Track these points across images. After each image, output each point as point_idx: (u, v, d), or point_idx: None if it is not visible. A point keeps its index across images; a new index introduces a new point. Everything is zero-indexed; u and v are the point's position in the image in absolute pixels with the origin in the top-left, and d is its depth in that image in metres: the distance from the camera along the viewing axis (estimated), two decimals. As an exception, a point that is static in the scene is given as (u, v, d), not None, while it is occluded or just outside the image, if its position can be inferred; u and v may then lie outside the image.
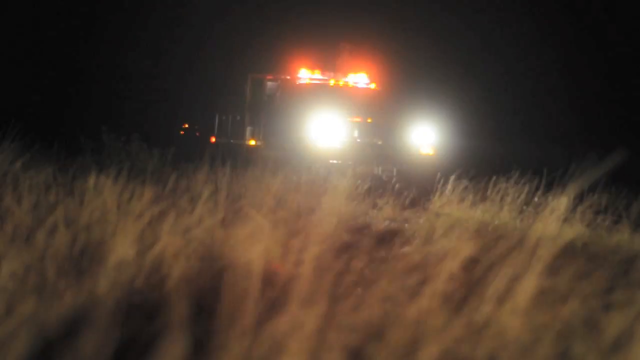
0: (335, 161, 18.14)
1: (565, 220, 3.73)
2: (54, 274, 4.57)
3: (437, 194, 11.58)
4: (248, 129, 20.89)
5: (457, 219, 3.48)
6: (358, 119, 19.07)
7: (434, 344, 3.39)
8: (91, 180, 5.22)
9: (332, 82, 20.54)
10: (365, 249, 3.83)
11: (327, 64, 20.98)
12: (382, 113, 19.61)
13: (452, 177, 12.27)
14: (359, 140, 18.69)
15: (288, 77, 20.44)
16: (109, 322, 4.14)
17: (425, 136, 18.84)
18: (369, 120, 19.10)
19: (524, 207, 9.63)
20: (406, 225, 3.29)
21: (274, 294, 3.73)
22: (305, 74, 20.51)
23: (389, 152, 18.50)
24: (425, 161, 18.47)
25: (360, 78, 20.78)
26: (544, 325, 3.82)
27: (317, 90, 20.25)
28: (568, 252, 4.16)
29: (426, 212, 9.42)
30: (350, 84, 20.57)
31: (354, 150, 18.34)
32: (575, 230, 3.69)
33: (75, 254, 4.99)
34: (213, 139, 22.74)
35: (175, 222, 6.00)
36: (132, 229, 5.35)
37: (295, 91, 20.22)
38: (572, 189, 3.66)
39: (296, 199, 8.08)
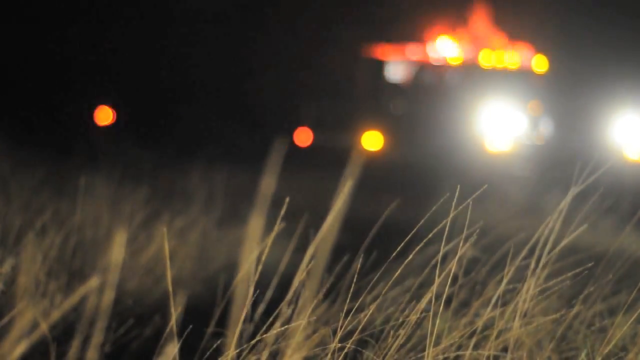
0: (511, 169, 12.79)
1: (569, 221, 3.66)
2: (44, 276, 4.50)
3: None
4: (361, 127, 14.75)
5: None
6: (532, 113, 13.78)
7: (434, 348, 3.33)
8: (83, 180, 5.14)
9: (485, 61, 14.50)
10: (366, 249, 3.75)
11: (468, 33, 14.87)
12: (560, 103, 13.96)
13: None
14: (538, 141, 13.47)
15: (422, 58, 14.61)
16: (101, 326, 4.05)
17: (632, 133, 13.28)
18: (542, 113, 13.71)
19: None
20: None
21: (271, 296, 3.66)
22: (441, 49, 14.60)
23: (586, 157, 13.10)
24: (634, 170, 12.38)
25: (516, 53, 14.72)
26: (547, 328, 3.77)
27: (469, 75, 14.28)
28: (571, 254, 4.10)
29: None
30: (510, 63, 14.51)
31: (535, 155, 13.17)
32: (579, 231, 3.62)
33: (66, 255, 4.92)
34: (307, 140, 15.38)
35: (170, 223, 5.94)
36: (125, 229, 5.27)
37: (436, 76, 14.43)
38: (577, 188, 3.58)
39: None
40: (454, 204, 3.28)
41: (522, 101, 13.87)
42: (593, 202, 4.11)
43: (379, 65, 14.88)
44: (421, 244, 3.29)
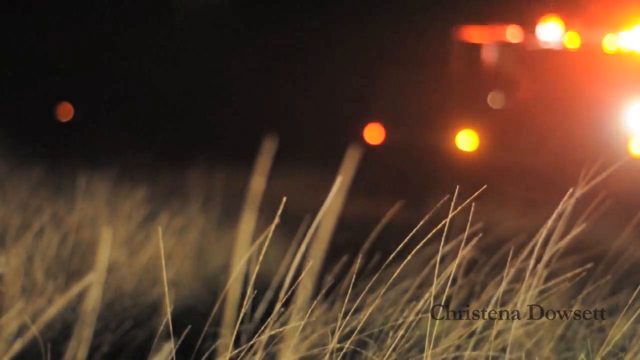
0: None
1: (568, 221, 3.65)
2: (42, 276, 4.49)
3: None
4: (449, 123, 12.04)
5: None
6: None
7: (433, 350, 3.33)
8: (81, 179, 5.14)
9: (608, 45, 11.44)
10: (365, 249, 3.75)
11: (585, 12, 11.78)
12: None
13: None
14: None
15: (530, 41, 11.76)
16: (99, 327, 4.04)
17: None
18: None
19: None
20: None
21: (269, 297, 3.65)
22: (552, 30, 11.67)
23: None
24: None
25: None
26: (546, 329, 3.76)
27: (590, 62, 11.35)
28: (571, 254, 4.10)
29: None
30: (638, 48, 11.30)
31: None
32: (578, 231, 3.61)
33: (64, 255, 4.91)
34: (378, 137, 12.52)
35: (169, 222, 5.94)
36: (123, 230, 5.27)
37: (547, 63, 11.53)
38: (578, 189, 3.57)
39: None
40: (452, 204, 3.27)
41: None
42: (596, 203, 4.11)
43: (475, 49, 12.24)
44: (419, 245, 3.28)
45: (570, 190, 3.51)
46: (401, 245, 3.30)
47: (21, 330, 2.45)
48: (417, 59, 13.42)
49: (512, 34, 12.22)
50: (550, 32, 11.96)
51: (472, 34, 12.42)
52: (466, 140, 12.08)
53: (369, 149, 12.35)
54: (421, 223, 3.30)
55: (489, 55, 12.23)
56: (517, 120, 11.92)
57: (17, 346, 2.18)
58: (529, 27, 12.12)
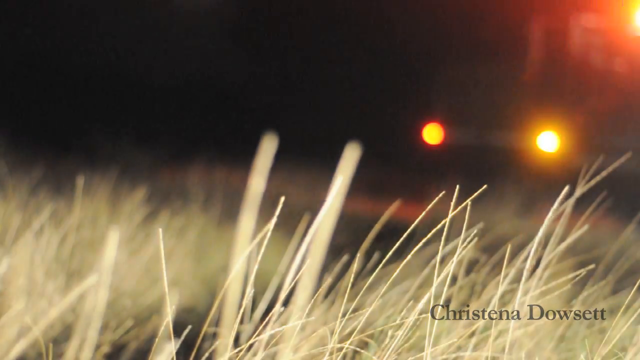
0: None
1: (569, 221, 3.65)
2: (42, 276, 4.49)
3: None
4: (531, 119, 10.25)
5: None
6: None
7: (432, 349, 3.32)
8: (81, 179, 5.13)
9: None
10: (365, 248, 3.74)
11: None
12: None
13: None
14: None
15: (629, 28, 9.87)
16: (99, 327, 4.03)
17: None
18: None
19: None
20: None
21: (269, 297, 3.65)
22: None
23: None
24: None
25: None
26: (546, 329, 3.76)
27: None
28: (571, 254, 4.10)
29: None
30: None
31: None
32: (580, 232, 3.61)
33: (64, 255, 4.91)
34: (436, 137, 11.08)
35: (169, 222, 5.94)
36: (123, 230, 5.27)
37: None
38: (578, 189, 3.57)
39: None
40: (452, 203, 3.27)
41: None
42: (595, 203, 4.11)
43: (559, 38, 10.51)
44: (419, 245, 3.28)
45: (567, 188, 3.51)
46: (397, 244, 3.29)
47: (21, 331, 2.45)
48: (489, 49, 11.74)
49: (604, 20, 10.53)
50: None
51: (556, 20, 10.80)
52: (549, 141, 10.59)
53: (427, 150, 11.38)
54: (415, 222, 3.30)
55: (575, 44, 10.62)
56: (610, 117, 10.43)
57: (19, 347, 2.18)
58: (623, 12, 10.42)
